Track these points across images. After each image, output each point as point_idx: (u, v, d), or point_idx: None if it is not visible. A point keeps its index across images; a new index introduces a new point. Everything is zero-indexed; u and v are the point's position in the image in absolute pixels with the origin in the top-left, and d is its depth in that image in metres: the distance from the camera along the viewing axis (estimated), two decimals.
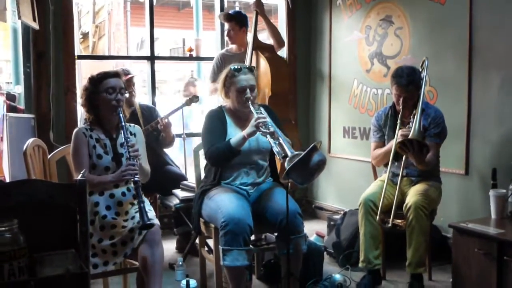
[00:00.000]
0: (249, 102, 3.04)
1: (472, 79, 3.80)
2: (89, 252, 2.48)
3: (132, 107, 4.11)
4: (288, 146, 2.85)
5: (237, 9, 10.84)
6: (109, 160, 2.87)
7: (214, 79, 4.53)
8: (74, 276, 1.91)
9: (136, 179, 2.70)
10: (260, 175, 3.19)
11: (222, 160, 3.06)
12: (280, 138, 2.89)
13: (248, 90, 3.06)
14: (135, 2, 10.95)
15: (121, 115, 2.82)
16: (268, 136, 2.91)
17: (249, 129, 2.94)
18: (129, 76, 4.07)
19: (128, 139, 2.78)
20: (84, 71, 7.97)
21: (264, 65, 4.43)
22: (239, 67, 3.11)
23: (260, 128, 2.90)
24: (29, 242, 1.94)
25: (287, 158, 2.79)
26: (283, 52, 4.96)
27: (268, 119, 2.96)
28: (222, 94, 3.19)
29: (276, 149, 2.89)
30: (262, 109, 3.08)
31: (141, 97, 5.26)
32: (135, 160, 2.75)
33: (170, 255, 4.13)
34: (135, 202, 2.90)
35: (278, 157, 2.89)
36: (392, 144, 3.35)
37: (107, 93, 2.85)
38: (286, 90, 4.55)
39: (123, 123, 2.80)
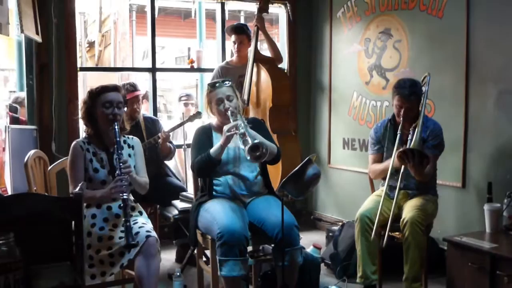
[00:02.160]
0: (228, 112, 3.12)
1: (469, 93, 3.83)
2: (85, 264, 2.53)
3: (135, 120, 4.17)
4: (252, 138, 2.91)
5: (242, 17, 10.91)
6: (105, 173, 2.91)
7: None
8: None
9: (124, 197, 2.72)
10: (250, 182, 3.22)
11: (204, 169, 3.14)
12: (247, 136, 2.95)
13: (225, 101, 3.16)
14: (141, 11, 11.04)
15: (116, 129, 2.84)
16: (239, 137, 2.98)
17: (223, 135, 3.03)
18: (135, 93, 4.13)
19: (121, 155, 2.81)
20: (90, 82, 8.06)
21: (265, 77, 4.47)
22: (214, 82, 3.27)
23: (231, 131, 2.98)
24: (25, 254, 1.98)
25: (247, 148, 2.85)
26: (283, 63, 5.00)
27: (240, 123, 3.03)
28: (208, 111, 3.31)
29: (242, 146, 2.97)
30: (239, 117, 3.14)
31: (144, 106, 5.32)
32: (125, 177, 2.78)
33: (169, 265, 4.16)
34: (132, 214, 2.95)
35: (247, 155, 2.90)
36: (389, 163, 3.36)
37: (104, 107, 2.89)
38: (287, 102, 4.59)
39: (117, 139, 2.83)
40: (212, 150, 3.07)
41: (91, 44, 12.00)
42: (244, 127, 3.01)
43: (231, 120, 3.09)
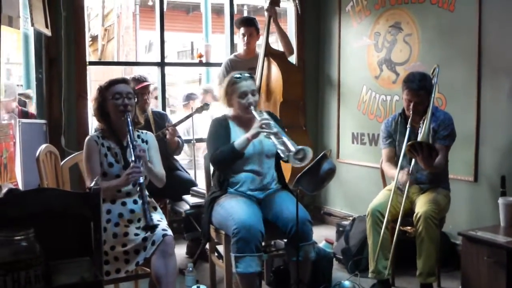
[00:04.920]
0: (251, 107, 3.10)
1: (481, 86, 3.81)
2: (103, 259, 2.52)
3: (145, 113, 4.15)
4: (292, 143, 2.89)
5: (245, 11, 10.87)
6: (120, 168, 2.88)
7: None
8: (89, 284, 1.94)
9: (140, 181, 2.70)
10: (267, 180, 3.20)
11: (226, 162, 3.11)
12: (283, 137, 2.93)
13: (249, 95, 3.13)
14: (144, 5, 11.01)
15: (128, 119, 2.82)
16: (272, 136, 2.97)
17: (252, 130, 3.02)
18: (145, 83, 4.10)
19: (134, 141, 2.79)
20: (94, 76, 8.03)
21: (275, 71, 4.44)
22: (240, 74, 3.20)
23: (263, 128, 2.97)
24: (44, 250, 1.97)
25: (291, 153, 2.83)
26: (292, 58, 4.98)
27: (272, 121, 3.02)
28: (225, 102, 3.25)
29: (280, 147, 2.95)
30: (264, 113, 3.14)
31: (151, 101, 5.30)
32: (140, 161, 2.76)
33: (180, 260, 4.14)
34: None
35: (282, 156, 2.92)
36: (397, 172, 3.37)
37: (114, 98, 2.87)
38: (297, 97, 4.56)
39: (130, 127, 2.80)
40: (237, 143, 3.05)
41: (93, 39, 11.98)
42: (275, 125, 2.99)
43: (256, 116, 3.06)
